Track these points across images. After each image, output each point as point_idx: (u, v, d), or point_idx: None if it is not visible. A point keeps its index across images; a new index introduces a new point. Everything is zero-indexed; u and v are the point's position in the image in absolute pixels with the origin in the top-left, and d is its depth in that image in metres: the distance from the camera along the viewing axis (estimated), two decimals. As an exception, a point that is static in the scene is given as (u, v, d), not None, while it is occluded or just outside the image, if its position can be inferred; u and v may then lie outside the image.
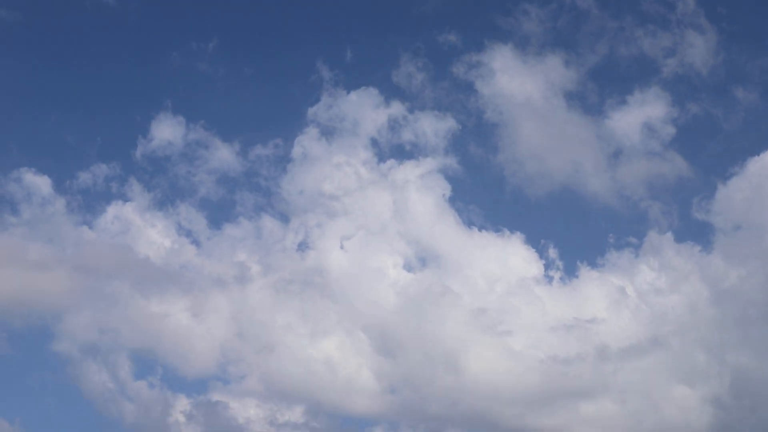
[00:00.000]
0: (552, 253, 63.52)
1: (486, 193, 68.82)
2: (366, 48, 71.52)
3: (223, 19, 72.78)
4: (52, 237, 64.23)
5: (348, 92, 68.00)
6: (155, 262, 62.95)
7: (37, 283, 62.02)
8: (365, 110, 67.25)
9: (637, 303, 60.15)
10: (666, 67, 68.30)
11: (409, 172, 65.37)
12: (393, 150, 67.09)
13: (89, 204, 66.47)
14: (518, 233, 63.43)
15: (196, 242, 65.34)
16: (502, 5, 69.95)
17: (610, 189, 66.97)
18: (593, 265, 63.51)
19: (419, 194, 64.46)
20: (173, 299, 61.60)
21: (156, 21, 72.12)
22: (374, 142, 66.85)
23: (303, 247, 63.96)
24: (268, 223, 65.85)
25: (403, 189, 64.67)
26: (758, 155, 63.20)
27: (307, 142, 66.62)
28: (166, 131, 67.55)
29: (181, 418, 56.86)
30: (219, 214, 67.54)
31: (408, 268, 62.13)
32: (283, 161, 67.61)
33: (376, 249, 62.67)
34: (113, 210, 65.69)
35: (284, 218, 65.75)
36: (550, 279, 62.52)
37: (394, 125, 67.22)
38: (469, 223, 64.47)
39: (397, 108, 67.50)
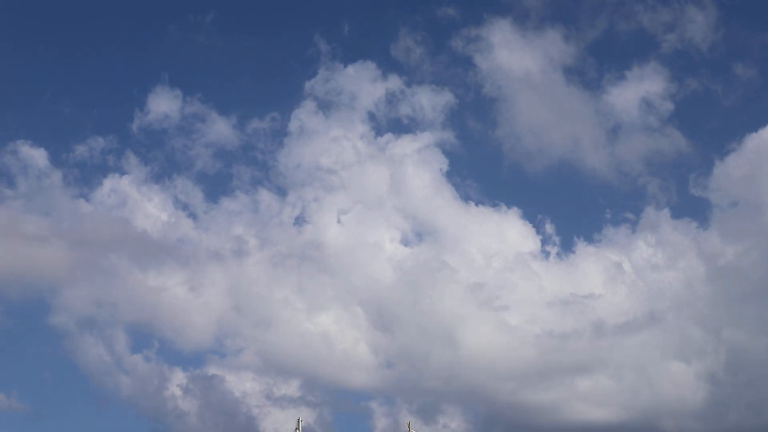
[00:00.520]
0: (549, 228, 63.72)
1: (483, 168, 68.95)
2: (364, 21, 71.53)
3: (221, -9, 72.61)
4: (48, 210, 64.48)
5: (345, 66, 67.98)
6: (152, 235, 63.24)
7: (33, 256, 62.23)
8: (363, 84, 67.19)
9: (634, 279, 60.35)
10: (665, 43, 68.32)
11: (406, 146, 65.39)
12: (390, 124, 67.07)
13: (86, 177, 66.61)
14: (515, 208, 63.68)
15: (193, 216, 65.55)
16: (501, -21, 69.83)
17: (608, 164, 67.07)
18: (590, 240, 63.73)
19: (416, 168, 64.51)
20: (170, 273, 61.86)
21: (153, -7, 72.02)
22: (372, 116, 66.81)
23: (300, 221, 64.16)
24: (265, 196, 65.99)
25: (400, 163, 64.70)
26: (756, 131, 63.39)
27: (304, 115, 66.63)
28: (163, 104, 67.59)
29: (178, 392, 57.15)
30: (216, 187, 67.71)
31: (405, 242, 62.33)
32: (280, 135, 67.63)
33: (373, 223, 62.75)
34: (110, 183, 65.94)
35: (281, 192, 65.90)
36: (547, 254, 62.74)
37: (391, 99, 67.17)
38: (466, 198, 64.58)
39: (394, 82, 67.48)
